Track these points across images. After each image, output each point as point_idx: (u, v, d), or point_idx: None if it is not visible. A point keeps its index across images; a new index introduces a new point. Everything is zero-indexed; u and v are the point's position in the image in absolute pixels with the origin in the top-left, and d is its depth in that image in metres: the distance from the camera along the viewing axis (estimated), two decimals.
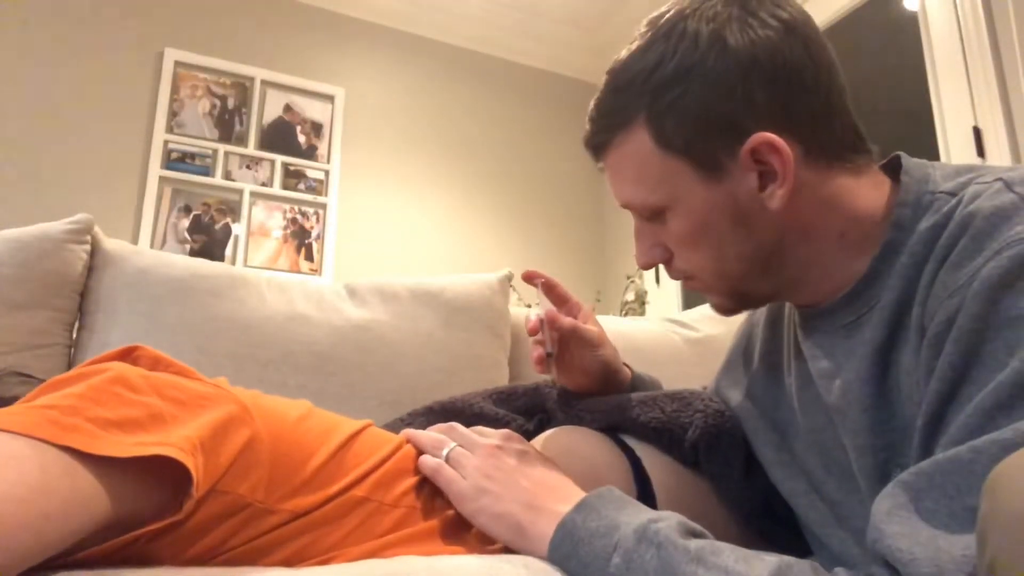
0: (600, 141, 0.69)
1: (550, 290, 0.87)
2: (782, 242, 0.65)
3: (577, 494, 0.63)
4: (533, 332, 0.81)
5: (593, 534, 0.58)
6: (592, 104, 0.70)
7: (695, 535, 0.56)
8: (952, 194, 0.61)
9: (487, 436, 0.72)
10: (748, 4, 0.63)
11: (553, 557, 0.59)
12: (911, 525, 0.48)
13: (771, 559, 0.52)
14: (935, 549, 0.45)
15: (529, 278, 0.85)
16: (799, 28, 0.63)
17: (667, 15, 0.66)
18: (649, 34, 0.66)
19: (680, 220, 0.66)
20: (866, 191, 0.65)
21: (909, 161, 0.67)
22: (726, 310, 0.74)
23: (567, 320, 0.82)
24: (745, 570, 0.51)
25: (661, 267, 0.73)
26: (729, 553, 0.53)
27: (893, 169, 0.68)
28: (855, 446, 0.63)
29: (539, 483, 0.66)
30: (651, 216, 0.68)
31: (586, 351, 0.85)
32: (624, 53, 0.67)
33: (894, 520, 0.49)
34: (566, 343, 0.83)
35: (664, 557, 0.53)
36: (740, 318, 0.89)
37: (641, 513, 0.59)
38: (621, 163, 0.68)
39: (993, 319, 0.51)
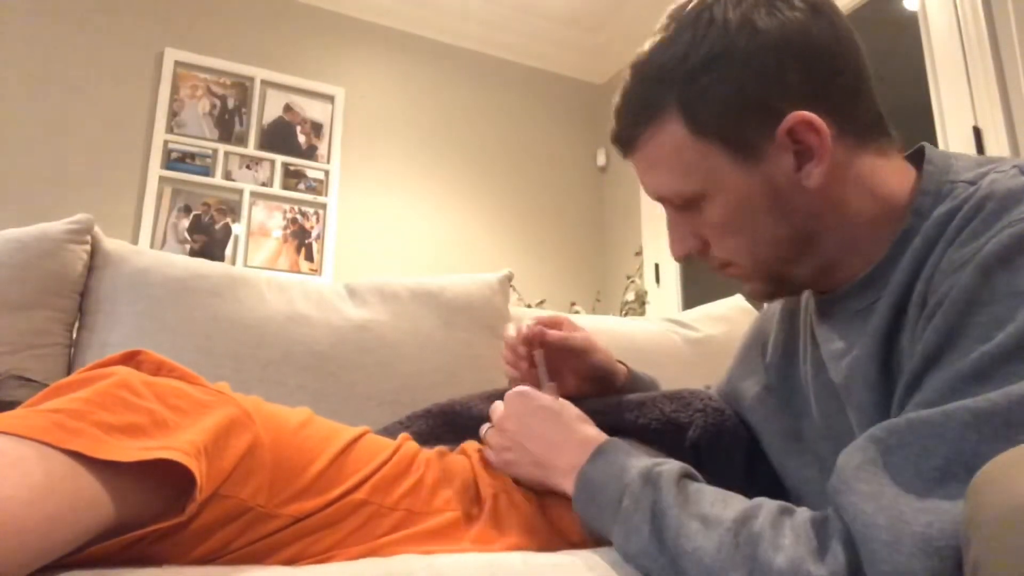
0: (631, 135, 0.69)
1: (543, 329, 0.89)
2: (818, 222, 0.66)
3: (579, 442, 0.71)
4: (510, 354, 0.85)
5: (607, 479, 0.65)
6: (618, 99, 0.70)
7: (693, 479, 0.62)
8: (971, 183, 0.61)
9: (500, 410, 0.79)
10: None
11: (576, 508, 0.68)
12: (877, 483, 0.49)
13: (744, 502, 0.57)
14: (897, 516, 0.47)
15: (528, 356, 0.87)
16: (825, 9, 0.64)
17: (690, 5, 0.66)
18: (674, 25, 0.66)
19: (717, 206, 0.66)
20: (892, 174, 0.66)
21: (933, 151, 0.68)
22: (765, 295, 0.74)
23: (555, 334, 0.86)
24: (719, 512, 0.56)
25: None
26: (709, 496, 0.58)
27: (917, 160, 0.69)
28: (860, 424, 0.64)
29: (539, 442, 0.74)
30: (685, 205, 0.68)
31: (576, 359, 0.88)
32: (647, 45, 0.68)
33: (862, 476, 0.50)
34: (557, 355, 0.86)
35: (659, 499, 0.59)
36: (743, 319, 0.89)
37: (648, 457, 0.65)
38: (654, 154, 0.68)
39: (985, 292, 0.52)
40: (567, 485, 0.69)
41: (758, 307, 1.70)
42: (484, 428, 0.82)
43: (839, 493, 0.51)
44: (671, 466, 0.62)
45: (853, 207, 0.65)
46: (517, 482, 0.76)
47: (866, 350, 0.63)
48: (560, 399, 0.78)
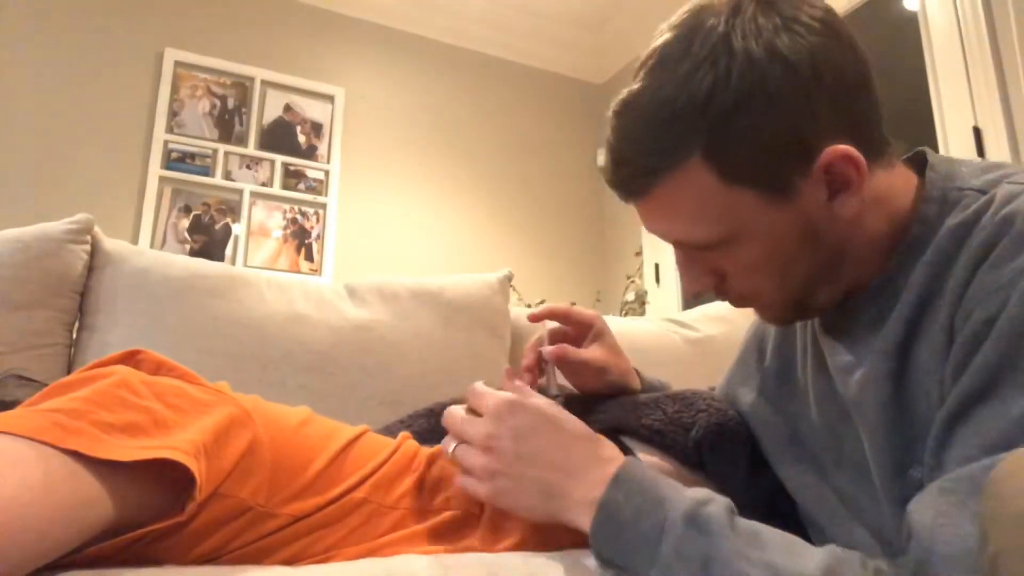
0: (643, 185, 0.62)
1: (564, 318, 0.87)
2: (844, 247, 0.64)
3: (589, 464, 0.61)
4: (529, 370, 0.81)
5: (638, 513, 0.56)
6: (616, 142, 0.63)
7: (737, 515, 0.55)
8: (981, 191, 0.60)
9: (477, 423, 0.65)
10: (779, 8, 0.60)
11: (595, 542, 0.58)
12: (956, 528, 0.47)
13: (817, 551, 0.52)
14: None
15: (536, 362, 0.83)
16: (839, 26, 0.61)
17: (697, 37, 0.59)
18: (687, 60, 0.59)
19: (748, 248, 0.62)
20: (898, 185, 0.65)
21: (935, 156, 0.66)
22: (785, 322, 0.73)
23: (574, 355, 0.82)
24: (793, 566, 0.50)
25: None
26: (774, 544, 0.52)
27: (918, 164, 0.68)
28: (873, 442, 0.63)
29: (547, 466, 0.61)
30: (705, 247, 0.64)
31: (592, 378, 0.86)
32: (647, 84, 0.61)
33: (937, 529, 0.48)
34: (571, 369, 0.84)
35: (711, 546, 0.52)
36: (743, 319, 0.89)
37: (682, 490, 0.57)
38: (672, 202, 0.62)
39: None
40: (583, 520, 0.58)
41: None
42: (450, 445, 0.67)
43: (929, 553, 0.48)
44: (718, 506, 0.54)
45: (870, 226, 0.64)
46: None
47: (878, 368, 0.62)
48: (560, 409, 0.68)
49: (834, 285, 0.66)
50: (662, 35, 0.63)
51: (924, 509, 0.50)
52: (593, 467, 0.60)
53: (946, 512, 0.48)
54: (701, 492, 0.56)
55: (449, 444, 0.67)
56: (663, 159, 0.60)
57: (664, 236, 0.66)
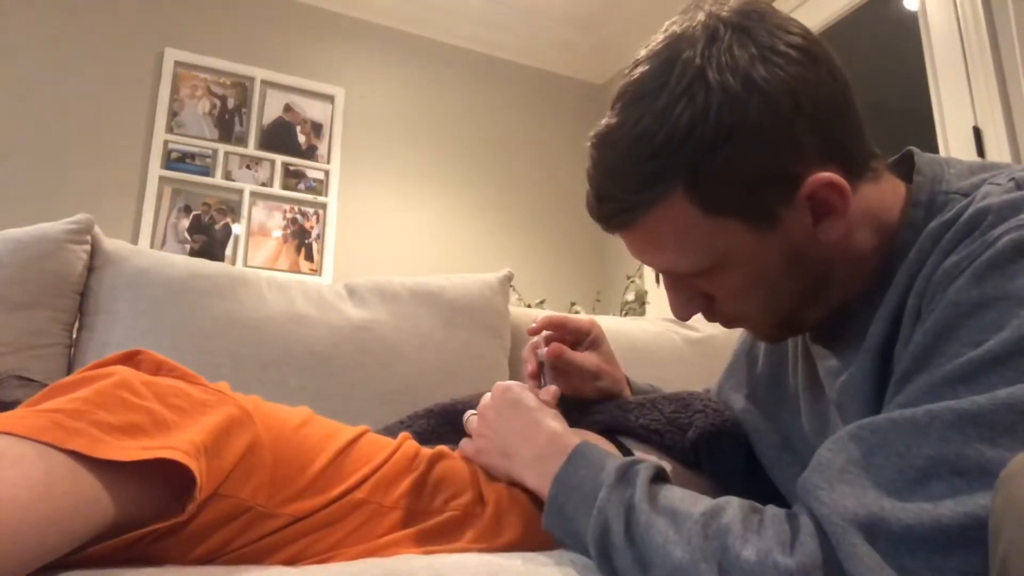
0: (627, 219, 0.63)
1: (560, 327, 0.88)
2: (832, 267, 0.64)
3: (547, 436, 0.70)
4: (533, 376, 0.84)
5: (583, 480, 0.63)
6: (599, 178, 0.64)
7: (665, 480, 0.61)
8: (965, 194, 0.60)
9: (486, 400, 0.79)
10: (756, 36, 0.59)
11: (549, 511, 0.65)
12: (860, 484, 0.49)
13: (714, 500, 0.56)
14: (877, 515, 0.47)
15: (537, 365, 0.86)
16: (816, 50, 0.60)
17: (674, 71, 0.59)
18: (664, 94, 0.58)
19: (733, 276, 0.63)
20: (886, 196, 0.65)
21: (922, 159, 0.66)
22: (777, 340, 0.74)
23: (569, 356, 0.85)
24: (688, 507, 0.55)
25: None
26: (678, 493, 0.58)
27: (906, 166, 0.68)
28: None
29: (511, 432, 0.73)
30: (692, 275, 0.65)
31: (583, 382, 0.87)
32: (624, 118, 0.61)
33: (845, 478, 0.50)
34: (564, 371, 0.85)
35: (631, 495, 0.58)
36: None
37: (625, 458, 0.63)
38: (657, 234, 0.63)
39: (976, 295, 0.52)
40: (528, 477, 0.69)
41: None
42: (467, 415, 0.81)
43: (819, 489, 0.51)
44: (646, 466, 0.60)
45: (859, 242, 0.64)
46: None
47: (861, 368, 0.62)
48: (548, 406, 0.76)
49: (823, 303, 0.67)
50: (639, 66, 0.62)
51: (836, 453, 0.52)
52: (544, 436, 0.70)
53: (855, 460, 0.50)
54: (639, 457, 0.64)
55: (467, 414, 0.82)
56: (644, 194, 0.60)
57: (650, 265, 0.67)
